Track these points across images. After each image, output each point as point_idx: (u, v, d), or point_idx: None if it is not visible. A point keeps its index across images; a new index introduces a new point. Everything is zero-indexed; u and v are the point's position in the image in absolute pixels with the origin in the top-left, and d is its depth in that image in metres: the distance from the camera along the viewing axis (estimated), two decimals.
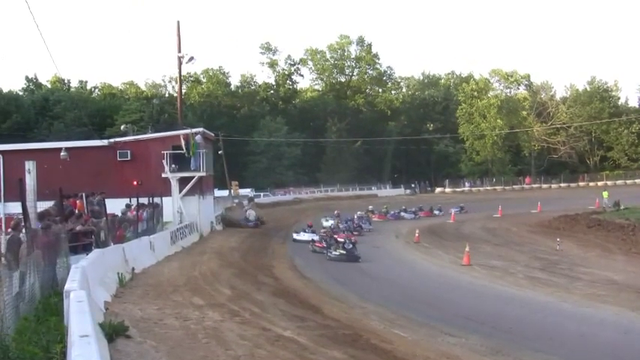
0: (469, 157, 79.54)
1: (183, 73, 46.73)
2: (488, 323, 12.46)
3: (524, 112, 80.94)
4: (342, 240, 24.40)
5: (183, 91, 58.28)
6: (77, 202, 17.77)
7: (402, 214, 42.87)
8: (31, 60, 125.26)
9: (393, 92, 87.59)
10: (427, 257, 23.95)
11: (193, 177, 28.54)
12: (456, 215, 41.01)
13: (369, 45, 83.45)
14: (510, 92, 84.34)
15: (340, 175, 70.80)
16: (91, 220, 15.67)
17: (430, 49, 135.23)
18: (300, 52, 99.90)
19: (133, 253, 16.31)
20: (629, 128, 77.96)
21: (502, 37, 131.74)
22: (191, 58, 33.25)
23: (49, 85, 75.35)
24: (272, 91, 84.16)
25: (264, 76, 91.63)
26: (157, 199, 24.04)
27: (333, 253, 22.93)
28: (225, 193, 51.45)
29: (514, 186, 74.06)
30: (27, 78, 75.53)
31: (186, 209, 28.25)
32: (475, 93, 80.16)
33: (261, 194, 59.05)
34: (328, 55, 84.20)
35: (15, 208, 11.71)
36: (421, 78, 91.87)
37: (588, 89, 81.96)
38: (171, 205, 27.44)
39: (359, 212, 38.90)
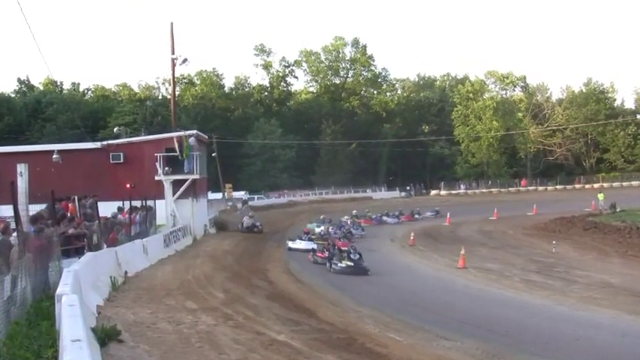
0: (465, 160, 79.71)
1: (177, 75, 46.87)
2: (484, 327, 12.39)
3: (520, 114, 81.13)
4: (346, 249, 21.96)
5: (177, 93, 58.36)
6: (69, 205, 17.64)
7: (385, 218, 41.51)
8: (23, 62, 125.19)
9: (388, 94, 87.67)
10: (422, 260, 23.83)
11: (187, 180, 28.42)
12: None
13: (364, 46, 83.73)
14: (506, 94, 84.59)
15: (335, 178, 70.77)
16: (83, 223, 15.58)
17: (425, 50, 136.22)
18: (294, 53, 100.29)
19: (126, 256, 16.23)
20: (625, 130, 78.34)
21: (498, 39, 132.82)
22: (185, 60, 33.11)
23: (42, 87, 75.32)
24: (266, 93, 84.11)
25: (259, 78, 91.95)
26: (150, 202, 23.90)
27: (339, 265, 20.41)
28: (219, 195, 51.40)
29: (510, 188, 74.07)
30: (19, 80, 75.68)
31: (179, 212, 28.16)
32: (471, 95, 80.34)
33: (255, 197, 59.08)
34: (323, 57, 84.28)
35: (7, 211, 11.56)
36: (416, 80, 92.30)
37: (584, 91, 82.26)
38: (164, 208, 27.31)
39: (345, 217, 38.25)
